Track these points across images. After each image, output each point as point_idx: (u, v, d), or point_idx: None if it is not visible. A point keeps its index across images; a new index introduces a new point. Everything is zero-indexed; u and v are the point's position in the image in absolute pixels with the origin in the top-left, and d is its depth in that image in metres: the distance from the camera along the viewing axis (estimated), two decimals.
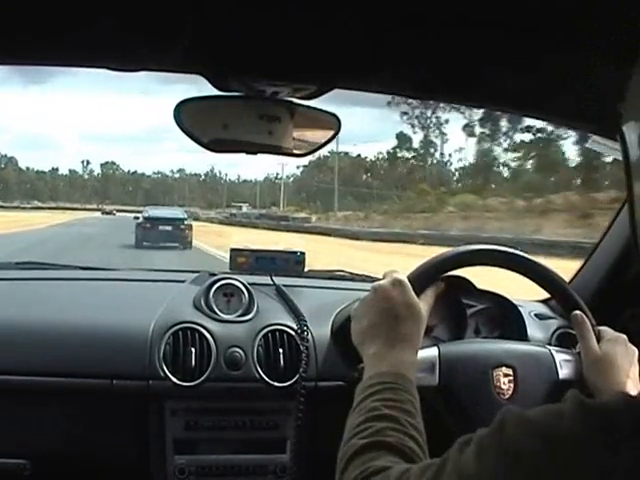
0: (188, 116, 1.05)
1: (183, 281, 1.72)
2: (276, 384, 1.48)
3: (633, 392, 0.97)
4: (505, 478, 0.50)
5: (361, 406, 0.84)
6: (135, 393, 1.45)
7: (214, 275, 1.68)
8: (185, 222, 18.17)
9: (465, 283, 1.35)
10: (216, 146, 1.12)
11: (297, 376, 1.48)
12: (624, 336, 1.05)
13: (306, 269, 1.79)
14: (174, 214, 19.24)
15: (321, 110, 1.10)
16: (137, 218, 18.70)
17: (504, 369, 1.13)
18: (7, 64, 0.97)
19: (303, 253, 1.77)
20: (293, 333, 1.53)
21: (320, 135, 1.14)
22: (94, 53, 0.92)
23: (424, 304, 1.02)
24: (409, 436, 0.76)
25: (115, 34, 0.86)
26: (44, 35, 0.86)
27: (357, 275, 1.97)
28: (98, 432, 1.47)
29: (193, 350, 1.46)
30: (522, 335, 1.44)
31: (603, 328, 1.07)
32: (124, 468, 1.51)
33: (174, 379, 1.44)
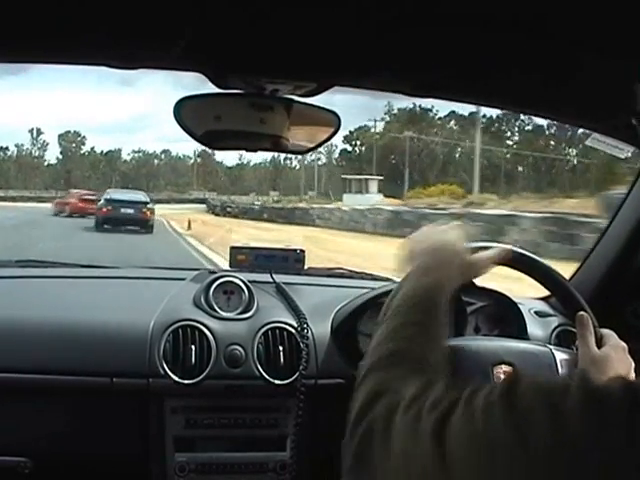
0: (188, 113, 1.05)
1: (183, 279, 1.72)
2: (276, 382, 1.48)
3: None
4: (507, 439, 0.51)
5: (396, 310, 0.84)
6: (135, 391, 1.45)
7: (214, 273, 1.68)
8: (148, 205, 17.81)
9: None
10: (215, 142, 1.12)
11: (297, 374, 1.48)
12: (624, 345, 1.05)
13: (306, 266, 1.79)
14: (136, 197, 18.76)
15: (321, 108, 1.10)
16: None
17: (504, 367, 1.13)
18: (8, 62, 0.96)
19: (303, 251, 1.77)
20: (293, 331, 1.53)
21: (320, 132, 1.14)
22: (94, 51, 0.92)
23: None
24: (437, 347, 0.77)
25: (116, 32, 0.86)
26: (45, 33, 0.86)
27: (356, 273, 1.97)
28: (98, 430, 1.48)
29: (193, 348, 1.46)
30: (522, 333, 1.44)
31: (606, 331, 1.07)
32: (124, 466, 1.51)
33: (174, 377, 1.44)
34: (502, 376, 1.11)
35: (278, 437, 1.52)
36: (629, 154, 1.28)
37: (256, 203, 35.23)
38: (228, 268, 1.75)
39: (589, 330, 1.02)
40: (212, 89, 1.02)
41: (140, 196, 19.22)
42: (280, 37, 0.89)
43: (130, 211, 16.99)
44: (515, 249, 1.16)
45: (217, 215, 28.55)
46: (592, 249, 1.74)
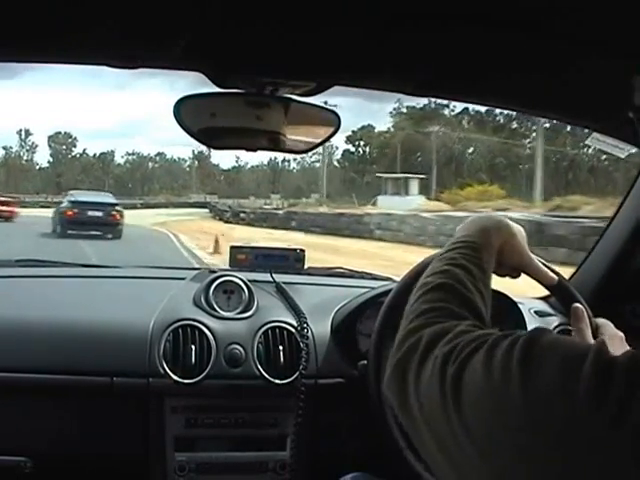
0: (187, 113, 1.05)
1: (183, 278, 1.72)
2: (276, 381, 1.48)
3: None
4: (518, 397, 0.52)
5: (443, 255, 0.85)
6: (135, 391, 1.45)
7: (214, 272, 1.68)
8: (117, 208, 15.85)
9: None
10: (213, 141, 1.12)
11: (297, 373, 1.48)
12: (621, 334, 1.05)
13: (305, 266, 1.79)
14: (104, 198, 16.79)
15: (321, 107, 1.10)
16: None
17: None
18: (9, 61, 0.96)
19: (303, 250, 1.77)
20: (293, 330, 1.53)
21: (319, 132, 1.14)
22: (94, 50, 0.92)
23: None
24: (479, 290, 0.78)
25: (116, 32, 0.86)
26: (45, 33, 0.86)
27: (356, 272, 1.97)
28: (98, 429, 1.48)
29: (193, 347, 1.46)
30: None
31: (602, 321, 1.07)
32: (124, 465, 1.51)
33: (174, 376, 1.44)
34: None
35: (278, 436, 1.52)
36: (629, 153, 1.28)
37: (264, 206, 29.72)
38: (228, 267, 1.75)
39: (584, 322, 1.02)
40: (212, 89, 1.02)
41: (108, 197, 17.51)
42: (280, 37, 0.89)
43: (98, 214, 15.13)
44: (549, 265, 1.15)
45: (228, 222, 22.96)
46: (592, 249, 1.74)
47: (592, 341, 1.02)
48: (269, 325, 1.53)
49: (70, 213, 15.06)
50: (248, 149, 1.13)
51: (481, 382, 0.56)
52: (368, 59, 0.93)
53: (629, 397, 0.47)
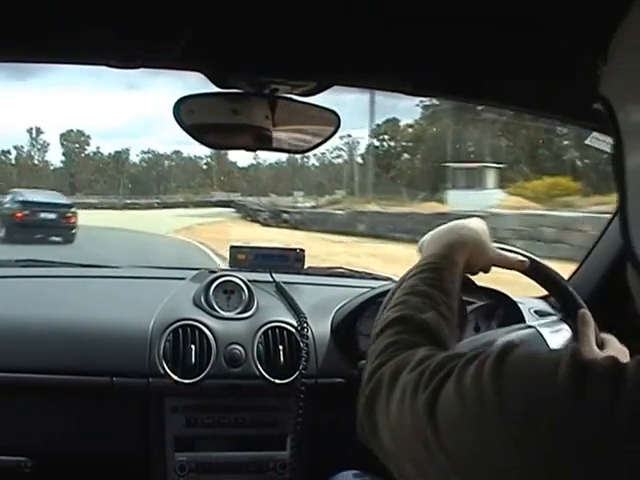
0: (187, 112, 1.05)
1: (183, 278, 1.72)
2: (276, 381, 1.48)
3: None
4: (493, 405, 0.51)
5: (404, 284, 0.85)
6: (135, 391, 1.45)
7: (214, 272, 1.68)
8: (71, 209, 13.54)
9: (464, 279, 1.34)
10: (213, 141, 1.12)
11: (297, 373, 1.48)
12: (626, 350, 1.04)
13: (305, 266, 1.79)
14: (56, 199, 14.32)
15: (320, 107, 1.10)
16: None
17: None
18: (9, 61, 0.96)
19: (303, 250, 1.77)
20: (293, 330, 1.53)
21: (319, 131, 1.14)
22: (94, 50, 0.92)
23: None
24: (440, 313, 0.78)
25: (116, 32, 0.86)
26: (45, 33, 0.86)
27: (357, 272, 1.97)
28: (98, 429, 1.48)
29: (193, 347, 1.46)
30: None
31: (608, 336, 1.06)
32: (124, 465, 1.51)
33: (174, 376, 1.44)
34: None
35: (278, 436, 1.52)
36: None
37: (300, 205, 23.92)
38: (228, 267, 1.75)
39: (591, 329, 1.02)
40: (213, 89, 1.02)
41: (59, 197, 15.03)
42: (280, 36, 0.88)
43: (52, 216, 12.77)
44: (513, 250, 1.15)
45: (266, 225, 18.34)
46: (592, 249, 1.74)
47: (596, 350, 1.02)
48: (269, 325, 1.53)
49: (20, 215, 12.72)
50: (248, 149, 1.13)
51: (456, 408, 0.55)
52: (368, 59, 0.93)
53: (611, 399, 0.46)
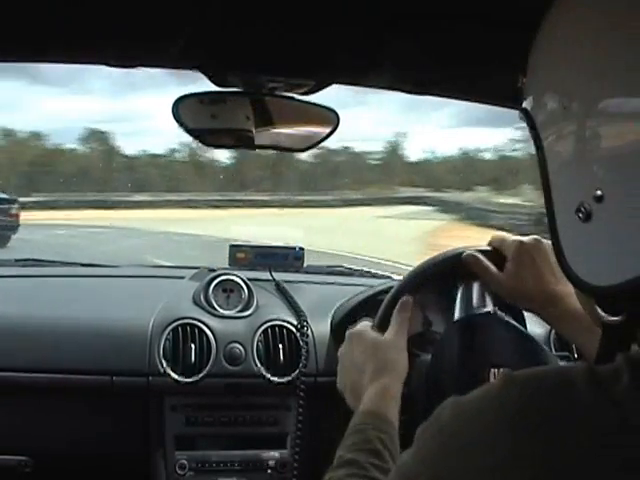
0: (185, 111, 1.05)
1: (182, 277, 1.72)
2: (276, 379, 1.48)
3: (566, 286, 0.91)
4: (444, 462, 0.49)
5: (336, 454, 0.83)
6: (135, 389, 1.45)
7: (213, 271, 1.68)
8: (15, 204, 10.93)
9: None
10: (210, 140, 1.12)
11: (297, 371, 1.49)
12: (524, 238, 0.97)
13: (305, 264, 1.79)
14: None
15: (320, 105, 1.10)
16: None
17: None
18: (8, 61, 0.96)
19: (302, 249, 1.77)
20: (293, 328, 1.53)
21: (319, 130, 1.14)
22: (93, 50, 0.92)
23: (394, 335, 0.95)
24: (369, 478, 0.76)
25: (114, 31, 0.85)
26: (43, 33, 0.86)
27: (356, 270, 1.97)
28: (98, 428, 1.48)
29: (193, 346, 1.46)
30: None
31: (496, 241, 0.99)
32: (124, 464, 1.51)
33: (174, 375, 1.44)
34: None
35: (278, 435, 1.52)
36: None
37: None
38: (227, 266, 1.75)
39: (483, 264, 0.96)
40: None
41: None
42: (279, 36, 0.88)
43: None
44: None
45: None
46: None
47: (501, 275, 0.95)
48: (269, 323, 1.53)
49: None
50: (247, 147, 1.13)
51: None
52: (368, 58, 0.93)
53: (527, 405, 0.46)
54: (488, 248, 1.00)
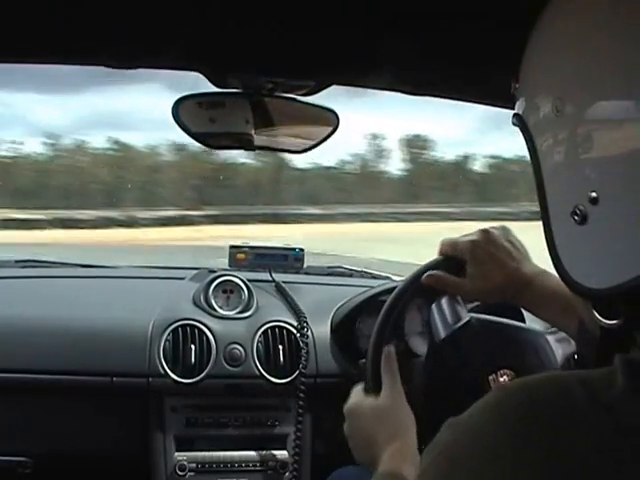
0: (185, 113, 1.05)
1: (182, 278, 1.72)
2: (276, 380, 1.48)
3: (534, 268, 0.91)
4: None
5: None
6: (135, 390, 1.45)
7: (213, 272, 1.68)
8: None
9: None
10: (211, 141, 1.12)
11: (297, 372, 1.49)
12: (473, 235, 0.94)
13: (305, 265, 1.79)
14: None
15: (320, 106, 1.10)
16: None
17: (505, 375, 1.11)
18: (6, 62, 0.96)
19: (302, 250, 1.77)
20: (293, 329, 1.53)
21: (319, 131, 1.14)
22: (93, 51, 0.92)
23: (390, 394, 0.91)
24: None
25: (114, 32, 0.86)
26: (43, 33, 0.86)
27: (356, 271, 1.97)
28: (98, 429, 1.48)
29: (193, 347, 1.46)
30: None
31: (448, 248, 0.96)
32: (124, 465, 1.51)
33: (174, 376, 1.44)
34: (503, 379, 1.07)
35: (278, 436, 1.52)
36: None
37: None
38: (227, 267, 1.75)
39: (443, 279, 0.94)
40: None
41: None
42: (278, 35, 0.88)
43: None
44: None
45: None
46: None
47: (462, 282, 0.93)
48: (269, 324, 1.53)
49: None
50: (247, 149, 1.14)
51: None
52: (368, 59, 0.93)
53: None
54: (442, 258, 0.98)
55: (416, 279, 1.00)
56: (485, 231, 0.94)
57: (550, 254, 0.54)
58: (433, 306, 1.06)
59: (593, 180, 0.49)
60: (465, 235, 0.96)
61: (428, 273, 0.97)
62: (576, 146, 0.50)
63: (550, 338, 1.10)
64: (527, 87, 0.58)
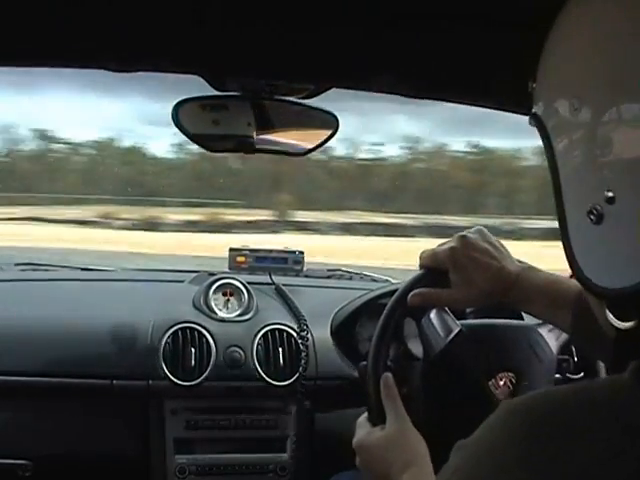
0: (185, 116, 1.05)
1: (182, 281, 1.72)
2: (276, 383, 1.48)
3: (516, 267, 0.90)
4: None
5: None
6: (135, 393, 1.45)
7: (213, 275, 1.68)
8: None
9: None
10: (211, 144, 1.12)
11: (297, 375, 1.49)
12: (451, 242, 0.92)
13: (305, 268, 1.79)
14: None
15: (319, 109, 1.10)
16: None
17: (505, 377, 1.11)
18: (5, 65, 0.96)
19: (302, 252, 1.78)
20: (293, 332, 1.54)
21: (318, 134, 1.14)
22: (91, 54, 0.92)
23: (396, 422, 0.90)
24: None
25: (113, 35, 0.86)
26: (41, 36, 0.86)
27: (355, 274, 1.97)
28: (98, 432, 1.48)
29: (193, 350, 1.46)
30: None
31: (428, 260, 0.95)
32: (124, 468, 1.51)
33: (174, 379, 1.44)
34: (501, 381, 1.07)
35: (278, 438, 1.52)
36: None
37: None
38: (227, 270, 1.75)
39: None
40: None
41: None
42: (278, 37, 0.89)
43: None
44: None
45: None
46: None
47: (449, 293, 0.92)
48: (269, 327, 1.53)
49: None
50: (248, 152, 1.14)
51: None
52: (368, 60, 0.93)
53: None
54: (423, 272, 0.97)
55: (402, 299, 0.98)
56: (462, 236, 0.93)
57: (565, 253, 0.54)
58: (423, 321, 1.05)
59: (610, 180, 0.49)
60: (442, 244, 0.95)
61: (413, 293, 0.95)
62: (594, 146, 0.50)
63: (542, 330, 1.10)
64: (545, 87, 0.58)
